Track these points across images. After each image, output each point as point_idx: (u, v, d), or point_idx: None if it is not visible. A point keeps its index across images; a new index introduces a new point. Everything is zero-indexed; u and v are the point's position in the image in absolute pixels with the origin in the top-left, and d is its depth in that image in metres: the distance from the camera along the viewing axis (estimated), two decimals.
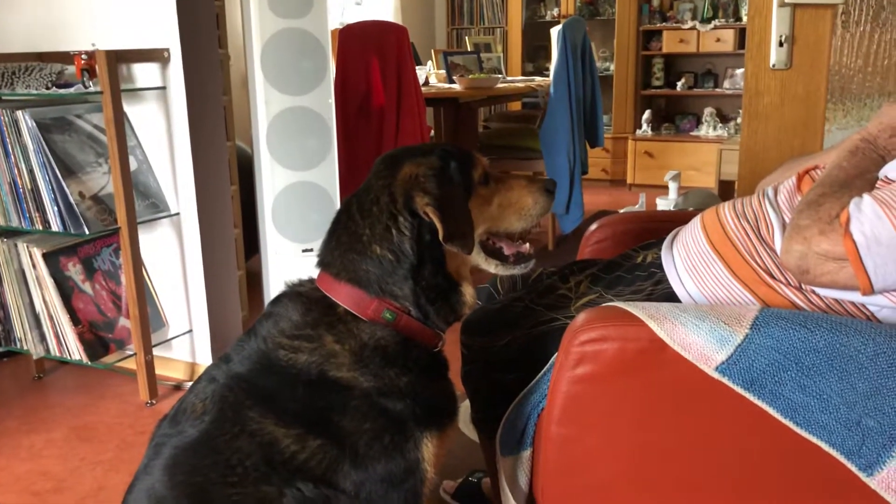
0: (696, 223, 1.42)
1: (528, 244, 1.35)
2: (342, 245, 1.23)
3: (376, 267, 1.19)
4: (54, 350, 2.49)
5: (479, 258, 1.30)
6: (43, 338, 2.51)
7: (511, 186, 1.30)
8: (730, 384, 1.13)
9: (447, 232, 1.16)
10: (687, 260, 1.37)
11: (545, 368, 1.33)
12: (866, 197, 1.15)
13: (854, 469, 1.09)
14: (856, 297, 1.19)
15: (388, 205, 1.19)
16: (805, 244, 1.15)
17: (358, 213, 1.23)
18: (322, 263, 1.26)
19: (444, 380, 1.27)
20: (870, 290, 1.13)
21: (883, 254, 1.11)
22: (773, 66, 1.93)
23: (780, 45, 1.89)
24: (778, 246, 1.26)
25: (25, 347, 2.56)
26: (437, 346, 1.26)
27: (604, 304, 1.25)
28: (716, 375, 1.13)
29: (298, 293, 1.25)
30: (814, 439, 1.11)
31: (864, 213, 1.12)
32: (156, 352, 2.56)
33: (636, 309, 1.18)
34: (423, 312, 1.21)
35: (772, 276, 1.27)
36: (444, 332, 1.26)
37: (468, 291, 1.25)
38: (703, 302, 1.33)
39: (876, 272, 1.12)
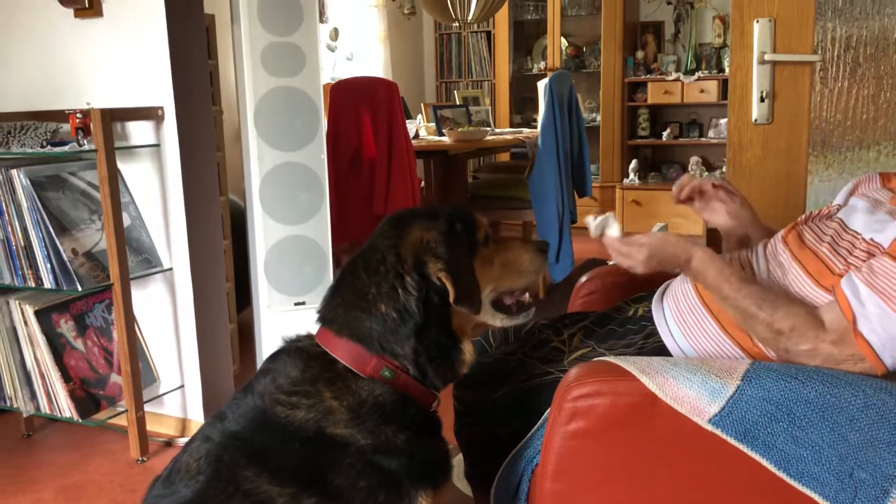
0: (685, 277, 1.43)
1: (526, 293, 1.38)
2: (347, 302, 1.24)
3: (380, 325, 1.21)
4: (45, 408, 2.47)
5: (486, 315, 1.33)
6: (33, 395, 2.49)
7: (509, 247, 1.35)
8: (723, 436, 1.13)
9: (458, 294, 1.20)
10: (677, 314, 1.39)
11: (539, 423, 1.33)
12: (861, 285, 1.16)
13: None
14: None
15: (394, 265, 1.21)
16: (829, 361, 1.17)
17: (364, 271, 1.24)
18: (323, 319, 1.27)
19: (439, 438, 1.28)
20: (885, 372, 1.16)
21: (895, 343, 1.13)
22: (756, 120, 1.98)
23: (762, 100, 1.95)
24: None
25: (16, 405, 2.53)
26: (432, 406, 1.27)
27: (595, 359, 1.27)
28: (709, 427, 1.14)
29: (298, 348, 1.25)
30: (807, 491, 1.11)
31: (868, 309, 1.14)
32: (147, 408, 2.54)
33: (627, 363, 1.19)
34: (422, 371, 1.22)
35: None
36: (439, 391, 1.27)
37: (468, 350, 1.27)
38: (693, 355, 1.35)
39: (894, 360, 1.15)
